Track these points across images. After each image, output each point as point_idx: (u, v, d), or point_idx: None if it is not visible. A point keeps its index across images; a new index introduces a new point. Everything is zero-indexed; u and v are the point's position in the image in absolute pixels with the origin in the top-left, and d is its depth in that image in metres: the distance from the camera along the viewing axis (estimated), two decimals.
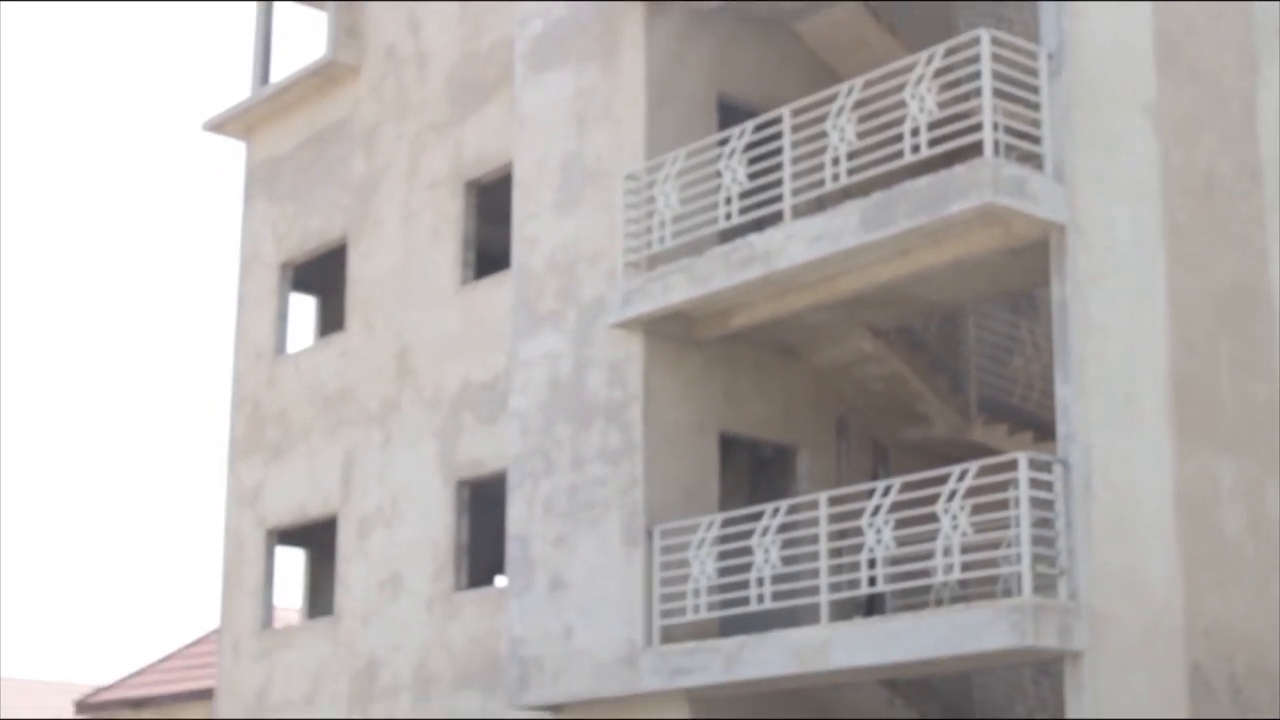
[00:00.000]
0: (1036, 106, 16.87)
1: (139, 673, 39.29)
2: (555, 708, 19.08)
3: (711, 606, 17.58)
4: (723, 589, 18.21)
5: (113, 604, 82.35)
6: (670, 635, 17.89)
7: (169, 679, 37.82)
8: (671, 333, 18.52)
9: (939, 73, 19.48)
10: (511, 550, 19.44)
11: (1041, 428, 19.97)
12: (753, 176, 20.67)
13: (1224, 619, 16.23)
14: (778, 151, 20.85)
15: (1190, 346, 16.51)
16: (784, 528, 18.63)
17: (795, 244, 16.81)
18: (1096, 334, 15.72)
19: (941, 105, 19.53)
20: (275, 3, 26.11)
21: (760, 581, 17.12)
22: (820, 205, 19.64)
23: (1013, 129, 19.03)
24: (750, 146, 20.06)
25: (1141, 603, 15.55)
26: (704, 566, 17.38)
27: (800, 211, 19.12)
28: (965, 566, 17.90)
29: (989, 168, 15.36)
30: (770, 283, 17.32)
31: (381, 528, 22.39)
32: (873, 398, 19.66)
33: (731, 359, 19.02)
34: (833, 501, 19.16)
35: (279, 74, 25.97)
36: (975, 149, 20.66)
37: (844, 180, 16.77)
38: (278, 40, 26.39)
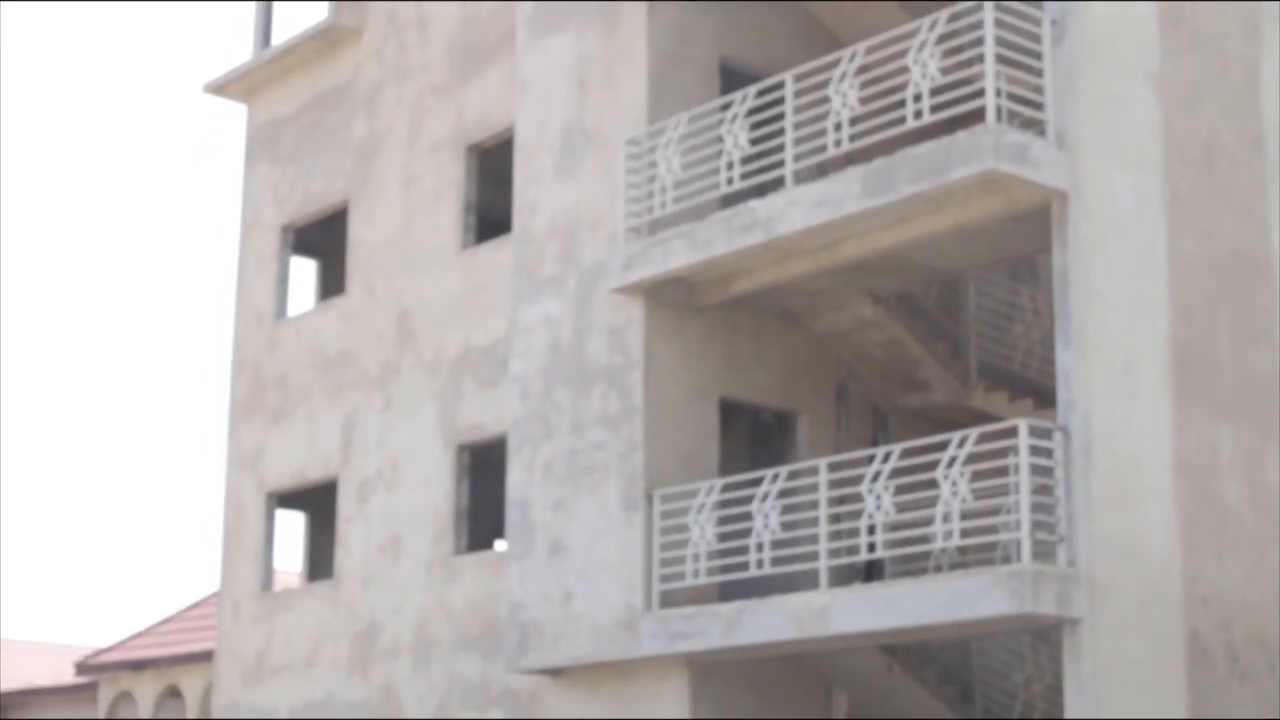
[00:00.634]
0: (1039, 73, 16.84)
1: (139, 635, 39.37)
2: (554, 671, 19.14)
3: (711, 571, 17.62)
4: (722, 554, 18.24)
5: (113, 566, 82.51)
6: (669, 600, 17.93)
7: (169, 641, 37.90)
8: (672, 298, 18.52)
9: (942, 38, 19.44)
10: (511, 514, 19.47)
11: (1042, 394, 19.99)
12: (755, 142, 20.64)
13: (1222, 587, 16.26)
14: (780, 117, 20.81)
15: (1191, 314, 16.51)
16: (784, 493, 18.66)
17: (796, 210, 16.79)
18: (1097, 301, 15.72)
19: (944, 71, 19.49)
20: None
21: (760, 547, 17.15)
22: (822, 171, 19.62)
23: (1015, 95, 18.99)
24: (752, 112, 20.03)
25: (1140, 570, 15.58)
26: (703, 531, 17.41)
27: (802, 177, 19.10)
28: (964, 533, 17.93)
29: (991, 134, 15.34)
30: (771, 248, 17.31)
31: (382, 491, 22.42)
32: (873, 364, 19.67)
33: (732, 324, 19.02)
34: (832, 467, 19.18)
35: (280, 36, 25.95)
36: (977, 115, 20.63)
37: (846, 146, 16.75)
38: (279, 3, 26.33)
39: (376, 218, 23.33)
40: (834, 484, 18.68)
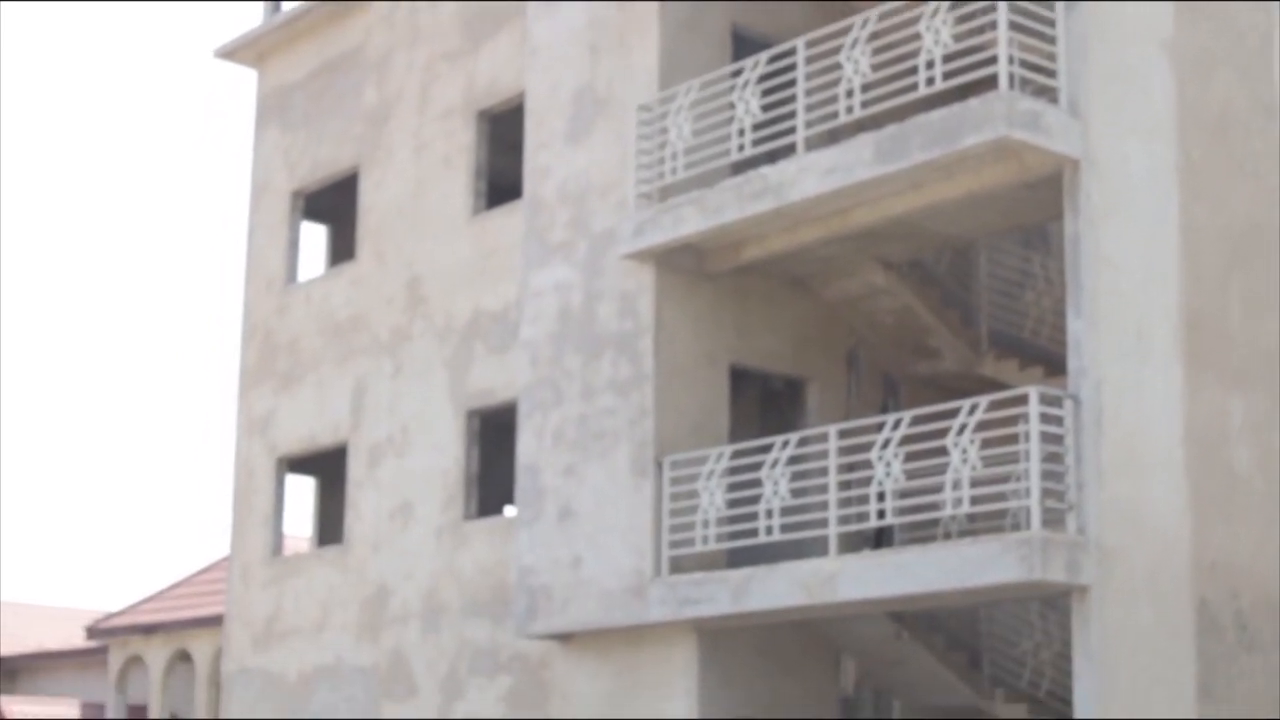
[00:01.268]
0: (1052, 40, 16.78)
1: (149, 599, 39.47)
2: (563, 636, 19.17)
3: (720, 538, 17.63)
4: (731, 520, 18.25)
5: (124, 531, 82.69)
6: (678, 566, 17.95)
7: (179, 605, 38.00)
8: (683, 264, 18.50)
9: (954, 5, 19.38)
10: (521, 480, 19.49)
11: (1052, 362, 19.97)
12: (766, 108, 20.59)
13: (1231, 554, 16.26)
14: (791, 83, 20.76)
15: (1202, 282, 16.48)
16: (793, 460, 18.66)
17: (808, 176, 16.76)
18: (1109, 269, 15.69)
19: (956, 38, 19.43)
20: None
21: (769, 513, 17.15)
22: (833, 138, 19.57)
23: (1028, 63, 18.92)
24: (764, 78, 19.97)
25: (1149, 538, 15.58)
26: (713, 498, 17.42)
27: (813, 144, 19.05)
28: (974, 500, 17.92)
29: (1003, 101, 15.30)
30: (782, 215, 17.28)
31: (392, 457, 22.44)
32: (883, 331, 19.65)
33: (742, 291, 19.00)
34: (842, 434, 19.17)
35: (291, 2, 25.87)
36: (990, 82, 20.57)
37: (858, 113, 16.71)
38: None
39: (387, 183, 23.30)
40: (844, 451, 18.67)
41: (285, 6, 25.82)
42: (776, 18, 19.55)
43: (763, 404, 20.65)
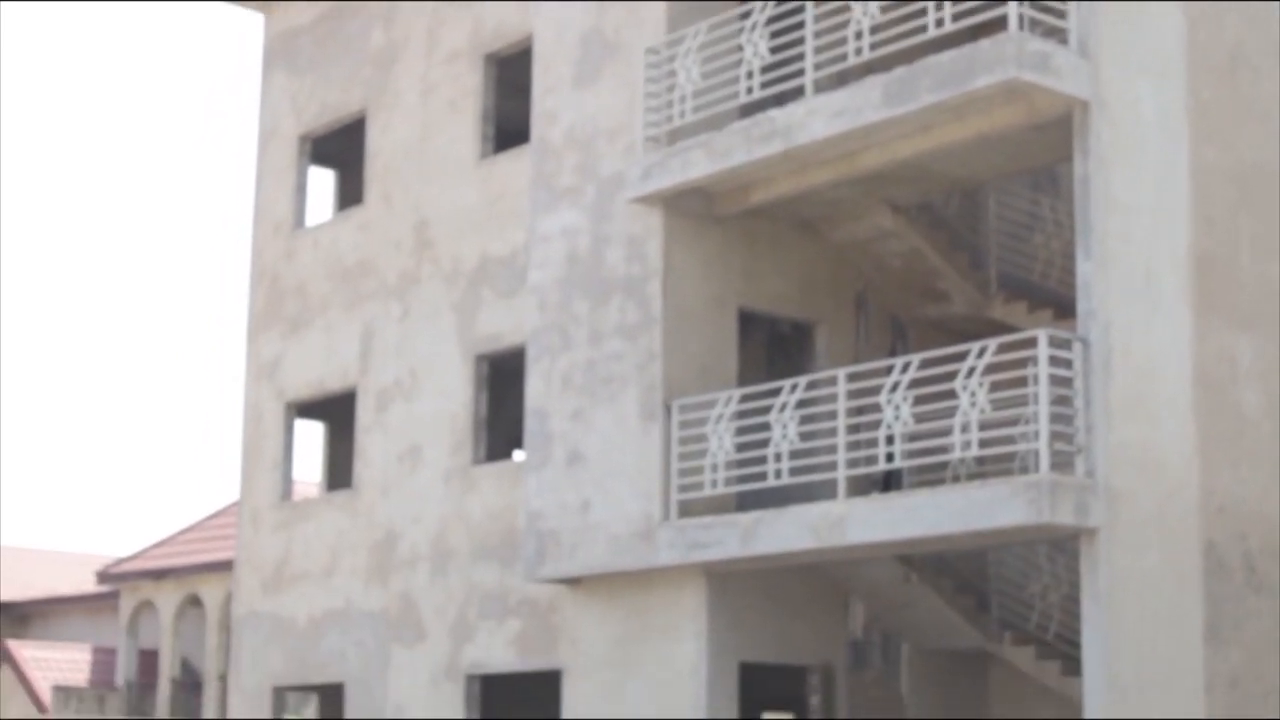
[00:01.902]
0: None
1: (160, 544, 39.60)
2: (572, 581, 19.21)
3: (729, 482, 17.65)
4: (740, 464, 18.26)
5: (134, 476, 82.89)
6: (687, 510, 17.97)
7: (189, 550, 38.13)
8: (691, 208, 18.46)
9: None
10: (529, 424, 19.50)
11: (1061, 305, 19.93)
12: (774, 51, 20.52)
13: (1239, 497, 16.26)
14: (800, 25, 20.68)
15: (1211, 224, 16.43)
16: (802, 403, 18.66)
17: (816, 119, 16.70)
18: (1118, 211, 15.65)
19: None
20: None
21: (778, 457, 17.16)
22: (842, 80, 19.48)
23: (1038, 3, 18.83)
24: (772, 20, 19.88)
25: (1158, 480, 15.58)
26: (721, 442, 17.43)
27: (822, 86, 18.98)
28: (983, 443, 17.92)
29: (1013, 42, 15.23)
30: (790, 158, 17.23)
31: (400, 401, 22.46)
32: (892, 274, 19.62)
33: (751, 234, 18.96)
34: (851, 378, 19.16)
35: None
36: (999, 24, 20.47)
37: (866, 55, 16.64)
38: None
39: (394, 128, 23.25)
40: (852, 394, 18.66)
41: None
42: None
43: (771, 347, 20.64)
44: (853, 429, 17.38)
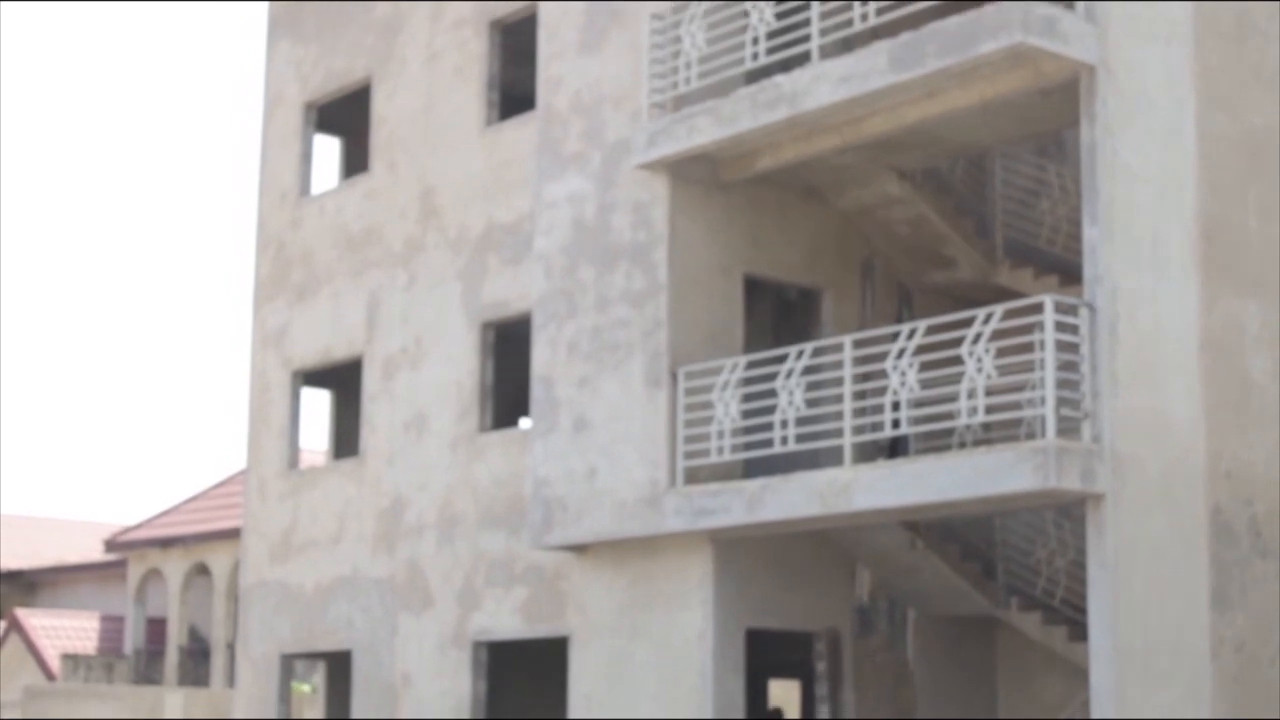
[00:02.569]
0: None
1: (167, 512, 39.68)
2: (578, 548, 19.24)
3: (735, 448, 17.65)
4: (746, 431, 18.25)
5: (141, 445, 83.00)
6: (693, 476, 17.97)
7: (197, 519, 38.21)
8: (697, 174, 18.44)
9: None
10: (536, 392, 19.50)
11: (1068, 271, 19.89)
12: (780, 16, 20.46)
13: (1246, 462, 16.25)
14: None
15: (1219, 190, 16.39)
16: (808, 370, 18.64)
17: (822, 85, 16.67)
18: (1125, 176, 15.61)
19: None
20: None
21: (784, 424, 17.15)
22: (848, 46, 19.43)
23: None
24: None
25: (1164, 446, 15.57)
26: (728, 408, 17.43)
27: (828, 52, 18.92)
28: (989, 409, 17.89)
29: (1019, 7, 15.18)
30: (796, 124, 17.20)
31: (406, 369, 22.46)
32: (898, 240, 19.60)
33: (757, 201, 18.94)
34: (857, 344, 19.14)
35: None
36: None
37: (872, 20, 16.60)
38: None
39: (399, 95, 23.21)
40: (858, 361, 18.64)
41: None
42: None
43: (777, 314, 20.62)
44: (859, 395, 17.37)
